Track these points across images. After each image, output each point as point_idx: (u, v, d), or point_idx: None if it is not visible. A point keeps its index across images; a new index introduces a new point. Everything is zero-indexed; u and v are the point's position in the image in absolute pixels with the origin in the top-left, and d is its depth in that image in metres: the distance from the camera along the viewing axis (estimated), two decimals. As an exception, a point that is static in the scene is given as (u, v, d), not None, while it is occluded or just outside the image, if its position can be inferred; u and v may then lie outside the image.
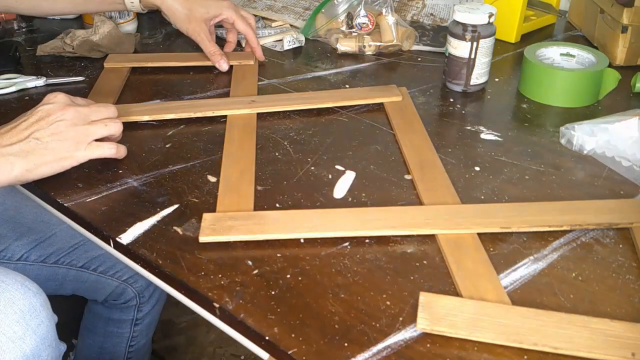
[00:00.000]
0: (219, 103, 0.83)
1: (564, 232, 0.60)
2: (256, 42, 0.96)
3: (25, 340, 0.59)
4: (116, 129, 0.67)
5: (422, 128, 0.78)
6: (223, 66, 0.93)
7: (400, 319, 0.50)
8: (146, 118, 0.79)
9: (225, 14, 0.94)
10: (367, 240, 0.59)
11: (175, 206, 0.64)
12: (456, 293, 0.53)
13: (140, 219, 0.62)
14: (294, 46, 1.03)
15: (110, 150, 0.67)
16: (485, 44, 0.85)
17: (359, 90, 0.87)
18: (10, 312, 0.59)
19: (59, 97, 0.65)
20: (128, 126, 0.77)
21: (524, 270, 0.56)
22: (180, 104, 0.82)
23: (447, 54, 0.88)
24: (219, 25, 1.01)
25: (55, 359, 0.65)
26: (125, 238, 0.59)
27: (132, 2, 0.91)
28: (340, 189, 0.67)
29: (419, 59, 1.01)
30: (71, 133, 0.63)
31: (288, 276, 0.55)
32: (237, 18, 0.94)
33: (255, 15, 1.11)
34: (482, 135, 0.78)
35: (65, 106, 0.64)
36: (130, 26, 1.08)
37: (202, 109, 0.81)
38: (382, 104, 0.84)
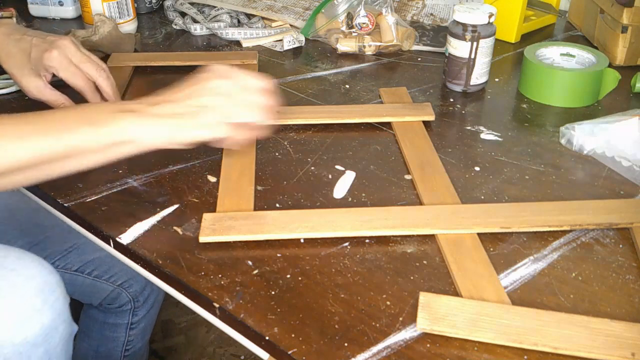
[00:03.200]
0: None
1: (564, 232, 0.60)
2: (110, 98, 0.78)
3: (44, 313, 0.61)
4: (260, 116, 0.62)
5: (422, 128, 0.78)
6: None
7: (400, 319, 0.50)
8: None
9: (50, 70, 0.75)
10: (367, 240, 0.59)
11: (175, 206, 0.64)
12: (456, 293, 0.53)
13: (140, 219, 0.62)
14: (294, 46, 1.03)
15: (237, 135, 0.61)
16: (485, 44, 0.85)
17: (389, 107, 0.83)
18: (30, 286, 0.61)
19: (220, 69, 0.63)
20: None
21: (524, 270, 0.56)
22: None
23: (447, 54, 0.88)
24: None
25: (69, 335, 0.67)
26: (125, 238, 0.59)
27: None
28: (340, 189, 0.67)
29: (419, 59, 1.01)
30: (218, 107, 0.61)
31: (288, 276, 0.55)
32: (68, 75, 0.75)
33: (255, 15, 1.11)
34: (482, 135, 0.78)
35: (223, 75, 0.62)
36: (130, 26, 1.08)
37: None
38: (382, 102, 0.84)
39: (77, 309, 1.06)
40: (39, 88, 0.76)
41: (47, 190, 0.66)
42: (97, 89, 0.78)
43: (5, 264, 0.60)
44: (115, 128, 0.58)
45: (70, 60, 0.74)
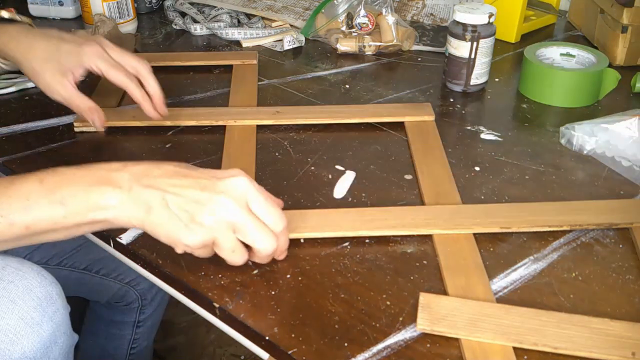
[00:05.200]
0: (243, 112, 0.80)
1: (564, 232, 0.60)
2: (156, 92, 0.71)
3: (42, 326, 0.60)
4: (241, 260, 0.53)
5: (434, 127, 0.78)
6: (97, 124, 0.72)
7: (400, 319, 0.50)
8: (168, 123, 0.77)
9: (87, 62, 0.67)
10: (367, 240, 0.59)
11: (175, 206, 0.64)
12: (446, 293, 0.53)
13: (140, 219, 0.62)
14: (294, 46, 1.03)
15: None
16: (485, 44, 0.85)
17: (389, 107, 0.83)
18: (29, 299, 0.60)
19: (243, 191, 0.52)
20: (131, 127, 0.77)
21: (524, 270, 0.56)
22: (202, 111, 0.80)
23: (447, 54, 0.88)
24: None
25: (69, 347, 0.66)
26: (125, 238, 0.59)
27: None
28: (340, 189, 0.67)
29: (419, 59, 1.01)
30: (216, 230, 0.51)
31: (288, 276, 0.55)
32: (108, 67, 0.67)
33: (255, 15, 1.11)
34: (482, 135, 0.78)
35: (241, 208, 0.51)
36: (130, 26, 1.08)
37: (224, 117, 0.78)
38: (381, 102, 0.84)
39: (83, 306, 1.06)
40: (66, 88, 0.68)
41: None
42: (141, 84, 0.71)
43: (3, 275, 0.59)
44: (89, 208, 0.50)
45: (109, 54, 0.68)
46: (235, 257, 0.52)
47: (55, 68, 0.66)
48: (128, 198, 0.51)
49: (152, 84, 0.71)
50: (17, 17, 0.71)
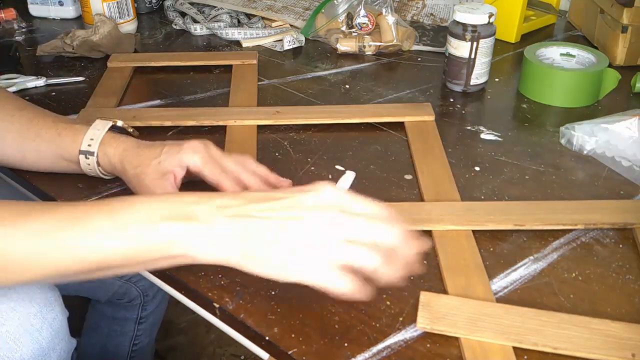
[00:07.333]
0: (243, 112, 0.80)
1: (564, 232, 0.60)
2: (254, 184, 0.62)
3: (42, 333, 0.60)
4: (374, 261, 0.46)
5: (434, 127, 0.78)
6: None
7: (400, 319, 0.50)
8: (168, 124, 0.77)
9: (186, 159, 0.60)
10: (367, 240, 0.59)
11: (175, 206, 0.64)
12: (445, 291, 0.53)
13: (140, 219, 0.61)
14: (294, 46, 1.03)
15: (343, 287, 0.46)
16: (485, 44, 0.85)
17: (389, 107, 0.82)
18: (29, 305, 0.60)
19: (331, 193, 0.48)
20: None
21: (523, 270, 0.56)
22: (202, 111, 0.80)
23: (447, 54, 0.88)
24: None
25: (67, 352, 0.66)
26: (125, 238, 0.59)
27: (89, 164, 0.65)
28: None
29: (419, 59, 1.01)
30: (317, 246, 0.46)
31: (288, 276, 0.55)
32: (204, 162, 0.60)
33: (255, 15, 1.11)
34: (482, 135, 0.78)
35: (338, 217, 0.47)
36: (130, 26, 1.08)
37: (224, 117, 0.78)
38: (381, 102, 0.84)
39: (84, 303, 1.06)
40: (165, 190, 0.61)
41: (48, 190, 0.66)
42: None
43: None
44: (160, 243, 0.47)
45: (210, 153, 0.61)
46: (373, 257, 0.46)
47: (155, 170, 0.61)
48: (208, 230, 0.47)
49: (252, 181, 0.62)
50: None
